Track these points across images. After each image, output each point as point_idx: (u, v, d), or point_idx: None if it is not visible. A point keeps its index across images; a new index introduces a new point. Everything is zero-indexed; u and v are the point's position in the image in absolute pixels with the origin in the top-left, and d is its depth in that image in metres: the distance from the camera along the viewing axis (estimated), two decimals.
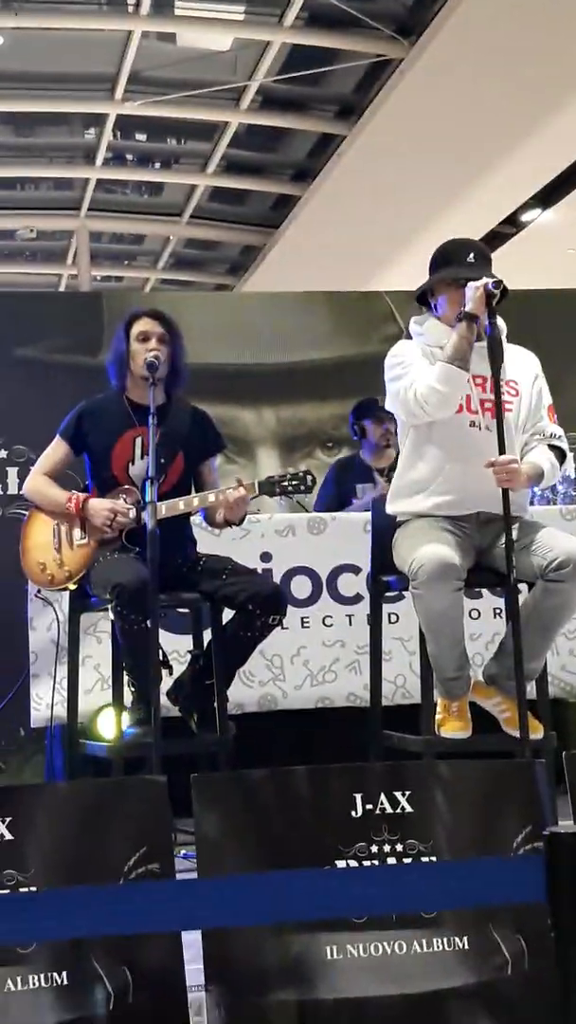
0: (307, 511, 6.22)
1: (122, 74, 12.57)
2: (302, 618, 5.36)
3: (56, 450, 4.78)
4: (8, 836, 2.67)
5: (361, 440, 6.58)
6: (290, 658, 5.33)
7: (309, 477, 4.54)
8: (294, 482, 4.52)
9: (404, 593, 4.41)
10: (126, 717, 4.50)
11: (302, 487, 4.53)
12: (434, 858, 2.75)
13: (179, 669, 4.78)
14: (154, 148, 15.28)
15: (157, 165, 15.69)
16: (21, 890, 2.64)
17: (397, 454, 6.13)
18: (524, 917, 2.74)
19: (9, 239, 17.34)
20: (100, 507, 4.59)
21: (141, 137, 15.03)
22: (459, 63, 11.06)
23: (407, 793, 2.79)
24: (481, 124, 11.68)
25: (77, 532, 4.64)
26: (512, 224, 14.08)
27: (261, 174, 15.02)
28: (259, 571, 5.16)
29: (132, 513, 4.55)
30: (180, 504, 4.53)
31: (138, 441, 4.64)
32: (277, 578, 5.28)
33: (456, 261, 4.37)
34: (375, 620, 4.65)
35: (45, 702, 5.18)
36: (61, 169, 15.33)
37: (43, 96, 13.25)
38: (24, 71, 12.72)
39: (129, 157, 15.44)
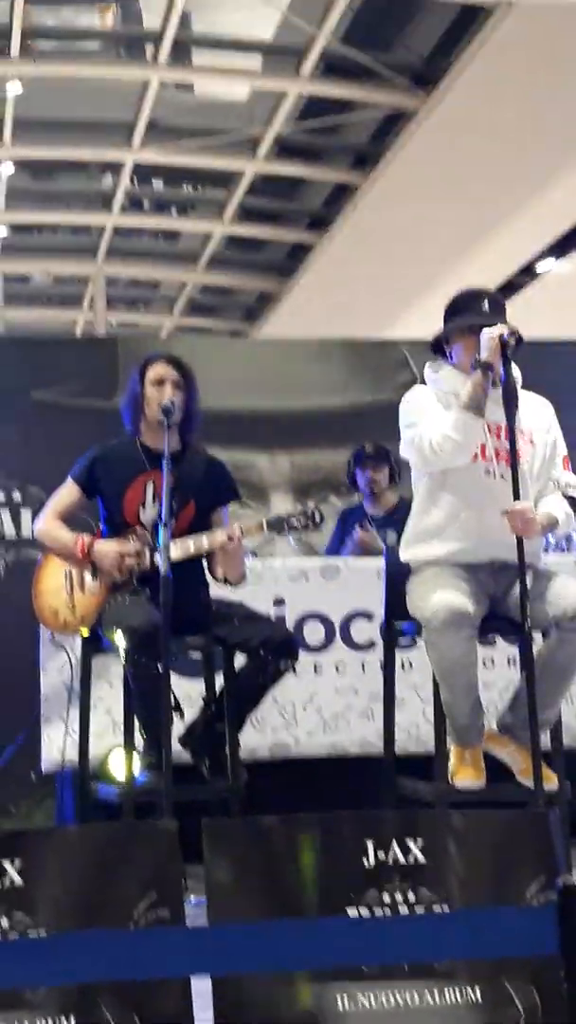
0: (319, 554, 6.21)
1: (140, 122, 12.69)
2: (315, 664, 5.35)
3: (68, 493, 4.77)
4: (18, 880, 2.65)
5: (355, 489, 6.65)
6: (302, 705, 5.30)
7: (317, 514, 4.53)
8: (302, 519, 4.51)
9: (418, 640, 4.39)
10: (137, 761, 4.47)
11: (310, 524, 4.52)
12: (447, 908, 2.73)
13: (191, 714, 4.76)
14: (171, 195, 15.40)
15: (174, 212, 15.81)
16: (30, 934, 2.62)
17: (399, 501, 6.16)
18: (538, 969, 2.71)
19: (27, 283, 17.47)
20: (106, 550, 4.58)
21: (158, 184, 15.16)
22: (475, 113, 11.14)
23: (420, 842, 2.77)
24: (497, 173, 11.75)
25: (88, 577, 4.63)
26: (528, 274, 14.14)
27: (277, 222, 15.13)
28: (272, 615, 5.15)
29: (145, 554, 4.53)
30: (190, 544, 4.51)
31: (149, 486, 4.64)
32: (290, 623, 5.27)
33: (470, 310, 4.37)
34: (388, 667, 4.63)
35: (56, 746, 5.16)
36: (78, 215, 15.47)
37: (61, 143, 13.39)
38: (43, 118, 12.86)
39: (146, 204, 15.57)
